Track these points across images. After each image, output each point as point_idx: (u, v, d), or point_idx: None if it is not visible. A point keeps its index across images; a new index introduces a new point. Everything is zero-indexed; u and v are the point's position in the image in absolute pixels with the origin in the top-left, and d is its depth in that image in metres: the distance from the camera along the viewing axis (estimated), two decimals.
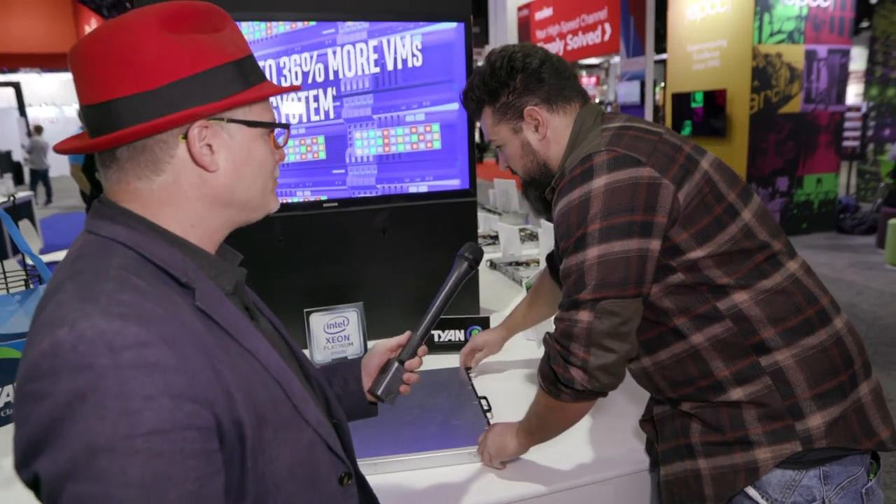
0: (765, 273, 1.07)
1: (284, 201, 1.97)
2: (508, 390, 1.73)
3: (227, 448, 0.67)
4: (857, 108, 9.56)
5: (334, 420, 0.96)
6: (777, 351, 1.05)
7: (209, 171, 0.75)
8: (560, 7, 9.69)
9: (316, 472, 0.80)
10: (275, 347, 0.80)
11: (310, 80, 1.94)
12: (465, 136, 2.08)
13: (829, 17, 7.61)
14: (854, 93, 12.59)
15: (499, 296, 2.60)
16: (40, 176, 13.32)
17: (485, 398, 1.62)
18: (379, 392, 1.07)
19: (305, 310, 1.92)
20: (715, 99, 7.71)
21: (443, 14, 1.99)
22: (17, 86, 16.63)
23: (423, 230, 2.14)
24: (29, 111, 17.11)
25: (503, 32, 9.90)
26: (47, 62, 13.80)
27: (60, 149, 0.77)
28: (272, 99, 0.88)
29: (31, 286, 2.18)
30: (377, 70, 1.98)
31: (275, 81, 1.76)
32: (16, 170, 13.29)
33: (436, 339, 1.99)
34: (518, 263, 2.97)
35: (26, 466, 0.61)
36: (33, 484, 0.62)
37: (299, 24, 1.89)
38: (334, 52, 1.93)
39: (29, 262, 2.17)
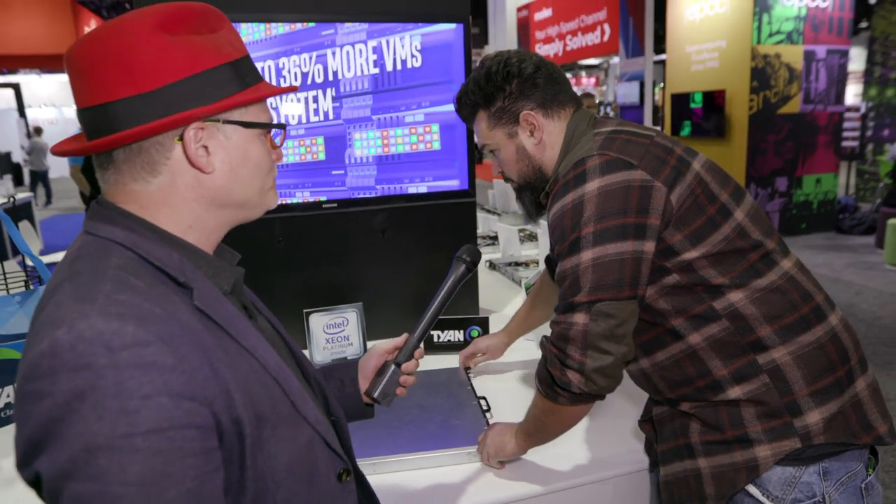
0: (759, 272, 1.08)
1: (283, 202, 1.98)
2: (507, 390, 1.74)
3: (227, 446, 0.68)
4: (856, 109, 9.58)
5: (332, 417, 0.96)
6: (774, 349, 1.06)
7: (205, 173, 0.75)
8: (559, 8, 9.71)
9: (314, 469, 0.80)
10: (273, 346, 0.80)
11: (309, 81, 1.94)
12: (464, 136, 2.09)
13: (827, 18, 7.62)
14: (853, 93, 12.61)
15: (498, 296, 2.60)
16: (40, 177, 13.33)
17: (484, 398, 1.63)
18: (375, 395, 1.07)
19: (305, 310, 1.92)
20: (714, 99, 7.72)
21: (441, 15, 2.00)
22: (16, 87, 16.63)
23: (422, 231, 2.15)
24: (28, 112, 17.12)
25: (502, 33, 9.91)
26: (47, 63, 13.79)
27: (58, 151, 0.77)
28: (271, 99, 0.89)
29: (31, 287, 2.18)
30: (376, 71, 1.98)
31: (274, 82, 1.76)
32: (15, 171, 13.31)
33: (435, 339, 1.99)
34: (517, 264, 2.97)
35: (27, 466, 0.61)
36: (35, 483, 0.62)
37: (298, 25, 1.90)
38: (333, 53, 1.94)
39: (29, 263, 2.17)
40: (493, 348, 1.80)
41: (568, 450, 1.41)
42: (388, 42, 1.98)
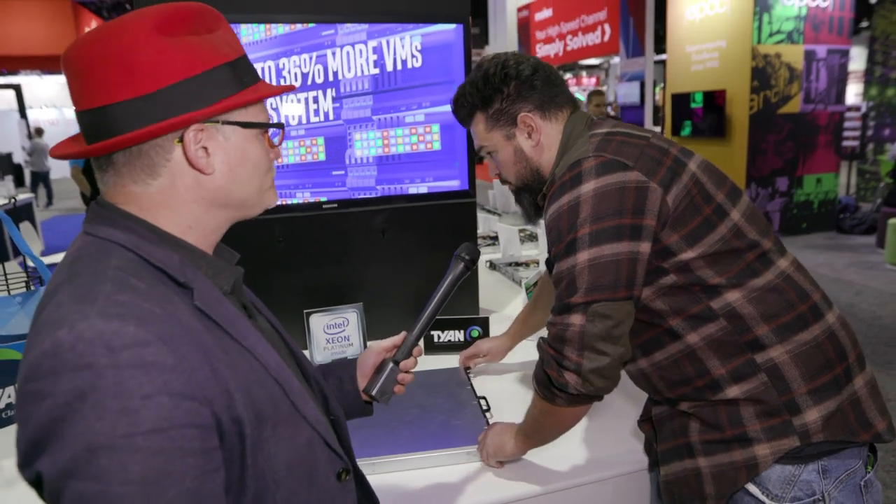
0: (756, 271, 1.08)
1: (284, 202, 1.98)
2: (507, 390, 1.74)
3: (227, 446, 0.68)
4: (857, 108, 9.57)
5: (332, 416, 0.96)
6: (771, 347, 1.06)
7: (205, 174, 0.75)
8: (560, 8, 9.71)
9: (314, 468, 0.80)
10: (273, 346, 0.80)
11: (309, 82, 1.94)
12: (464, 137, 2.09)
13: (828, 18, 7.62)
14: (853, 93, 12.60)
15: (498, 296, 2.60)
16: (41, 178, 13.34)
17: (483, 398, 1.63)
18: (373, 392, 1.07)
19: (305, 310, 1.93)
20: (714, 99, 7.72)
21: (441, 15, 2.00)
22: (17, 88, 16.64)
23: (422, 231, 2.15)
24: (29, 113, 17.12)
25: (503, 33, 9.91)
26: (48, 64, 13.82)
27: (57, 155, 0.76)
28: (271, 99, 0.89)
29: (32, 288, 2.19)
30: (377, 71, 1.99)
31: (274, 83, 1.77)
32: (16, 172, 13.32)
33: (435, 339, 1.99)
34: (518, 264, 2.97)
35: (28, 466, 0.61)
36: (36, 483, 0.62)
37: (298, 26, 1.90)
38: (333, 54, 1.94)
39: (30, 263, 2.17)
40: (494, 351, 1.80)
41: (568, 450, 1.41)
42: (388, 42, 1.98)
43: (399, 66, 2.00)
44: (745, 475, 1.06)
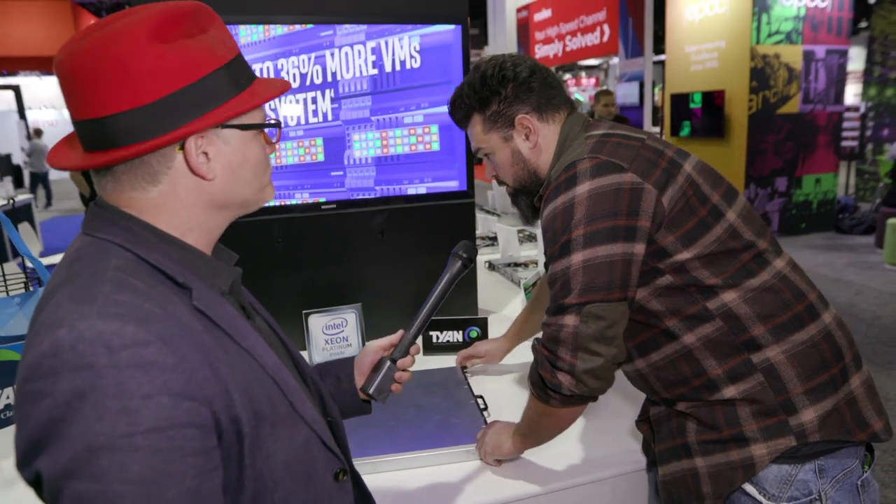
0: (752, 272, 1.09)
1: (283, 203, 1.98)
2: (506, 391, 1.74)
3: (226, 445, 0.68)
4: (856, 109, 9.58)
5: (329, 418, 0.97)
6: (768, 347, 1.06)
7: (206, 180, 0.74)
8: (559, 8, 9.72)
9: (312, 468, 0.81)
10: (271, 346, 0.80)
11: (308, 83, 1.94)
12: (463, 137, 2.09)
13: (826, 18, 7.63)
14: (852, 93, 12.61)
15: (497, 297, 2.61)
16: (40, 179, 13.34)
17: (481, 397, 1.63)
18: (371, 391, 1.07)
19: (304, 311, 1.93)
20: (713, 100, 7.72)
21: (440, 16, 2.01)
22: (16, 89, 16.64)
23: (421, 232, 2.15)
24: (28, 114, 17.13)
25: (502, 34, 9.92)
26: (47, 65, 13.80)
27: (56, 165, 0.75)
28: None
29: (31, 289, 2.19)
30: (375, 72, 1.99)
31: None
32: (16, 173, 13.32)
33: (434, 340, 2.00)
34: (516, 265, 2.98)
35: (27, 465, 0.62)
36: (35, 483, 0.62)
37: (297, 27, 1.90)
38: (332, 54, 1.94)
39: (28, 264, 2.17)
40: (492, 353, 1.81)
41: (566, 450, 1.41)
42: (386, 43, 1.98)
43: (398, 67, 2.01)
44: (741, 475, 1.06)
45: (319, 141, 1.99)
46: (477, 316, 2.10)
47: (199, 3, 0.75)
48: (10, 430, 1.57)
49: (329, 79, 1.95)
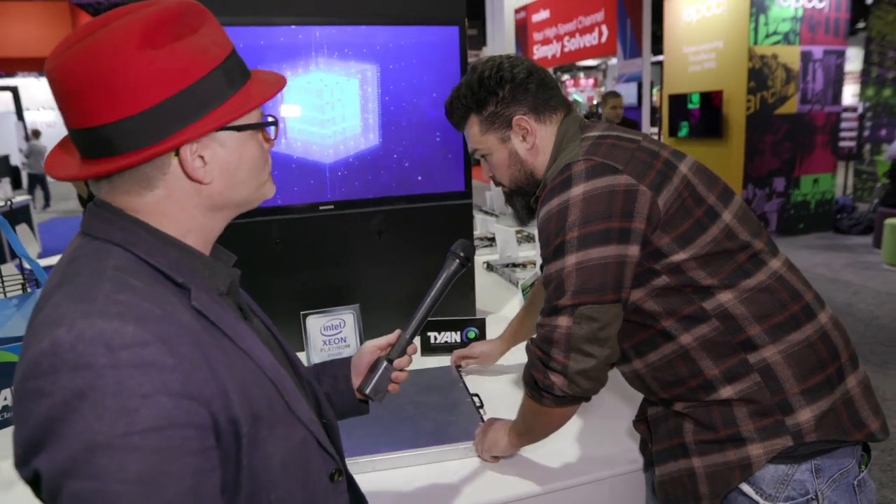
0: (748, 272, 1.09)
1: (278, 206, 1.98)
2: (503, 391, 1.74)
3: (224, 445, 0.68)
4: (854, 109, 9.59)
5: (324, 420, 0.97)
6: (764, 348, 1.07)
7: (203, 184, 0.74)
8: (557, 9, 9.72)
9: (308, 468, 0.81)
10: (267, 347, 0.80)
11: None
12: (461, 137, 2.09)
13: (824, 18, 7.64)
14: (850, 93, 12.61)
15: (495, 297, 2.61)
16: (38, 180, 13.33)
17: (477, 395, 1.64)
18: (367, 391, 1.07)
19: (302, 312, 1.93)
20: (711, 100, 7.73)
21: (437, 18, 2.01)
22: (14, 90, 16.61)
23: (419, 232, 2.15)
24: (27, 115, 17.10)
25: (500, 35, 9.92)
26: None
27: (54, 175, 0.74)
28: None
29: (29, 290, 2.19)
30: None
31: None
32: (14, 174, 13.26)
33: (432, 340, 2.00)
34: (514, 265, 2.98)
35: (26, 464, 0.62)
36: (33, 481, 0.63)
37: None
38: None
39: (26, 266, 2.17)
40: (487, 355, 1.81)
41: (564, 450, 1.42)
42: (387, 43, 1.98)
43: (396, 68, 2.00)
44: (738, 475, 1.06)
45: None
46: (475, 316, 2.10)
47: (189, 2, 0.73)
48: (9, 432, 1.57)
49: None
